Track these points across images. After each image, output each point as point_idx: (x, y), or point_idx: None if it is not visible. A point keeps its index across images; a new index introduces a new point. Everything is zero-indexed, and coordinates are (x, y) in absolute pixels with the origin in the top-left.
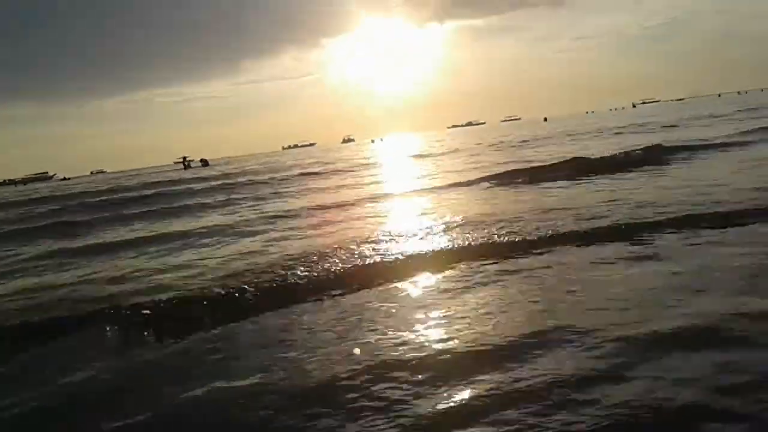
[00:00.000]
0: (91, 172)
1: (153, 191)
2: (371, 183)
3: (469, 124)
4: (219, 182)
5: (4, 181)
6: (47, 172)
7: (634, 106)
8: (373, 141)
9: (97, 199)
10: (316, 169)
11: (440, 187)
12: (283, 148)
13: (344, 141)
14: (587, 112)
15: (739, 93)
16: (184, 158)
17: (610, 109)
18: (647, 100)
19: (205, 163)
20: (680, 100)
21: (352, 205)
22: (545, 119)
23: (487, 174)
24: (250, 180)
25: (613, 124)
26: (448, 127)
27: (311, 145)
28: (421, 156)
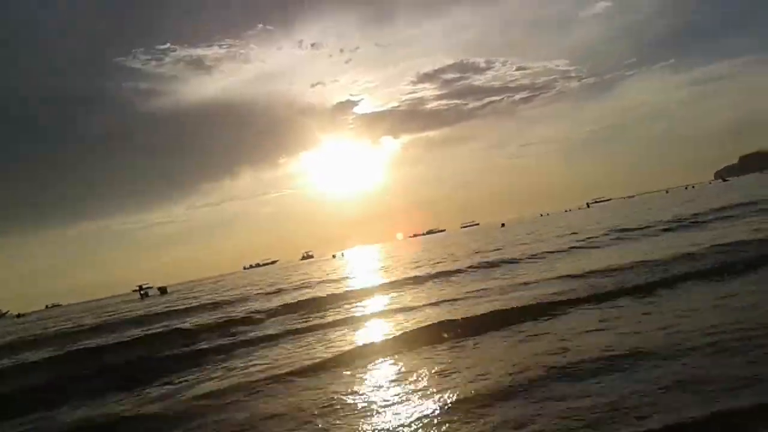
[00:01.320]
0: (46, 306)
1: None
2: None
3: (430, 232)
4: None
5: None
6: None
7: (588, 206)
8: (334, 256)
9: None
10: (271, 304)
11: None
12: (245, 268)
13: (303, 258)
14: (541, 215)
15: (686, 188)
16: (140, 287)
17: (565, 210)
18: (599, 199)
19: (163, 290)
20: (631, 197)
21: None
22: (503, 225)
23: None
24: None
25: (579, 229)
26: (409, 237)
27: (273, 262)
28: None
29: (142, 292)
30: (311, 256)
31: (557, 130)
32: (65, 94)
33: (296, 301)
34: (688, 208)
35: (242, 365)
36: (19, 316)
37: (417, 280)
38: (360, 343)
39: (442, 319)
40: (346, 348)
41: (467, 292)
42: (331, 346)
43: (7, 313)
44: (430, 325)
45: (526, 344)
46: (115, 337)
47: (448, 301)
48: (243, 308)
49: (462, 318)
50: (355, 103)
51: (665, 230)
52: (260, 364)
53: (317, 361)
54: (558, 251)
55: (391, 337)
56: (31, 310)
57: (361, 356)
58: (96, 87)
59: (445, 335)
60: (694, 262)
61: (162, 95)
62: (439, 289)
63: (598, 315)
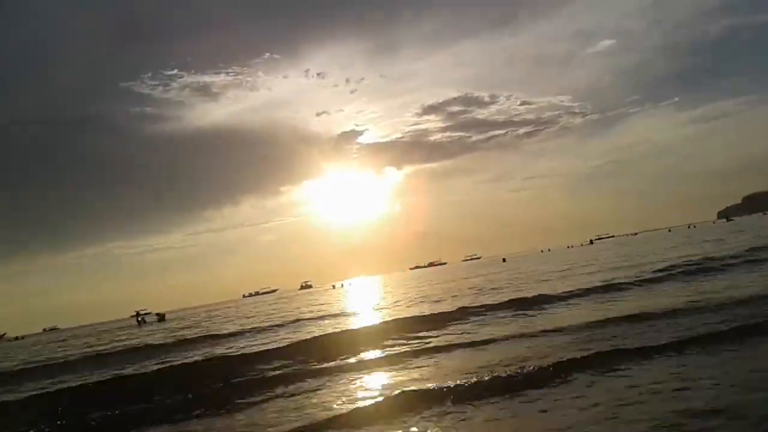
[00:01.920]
0: (44, 330)
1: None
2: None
3: (431, 264)
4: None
5: None
6: None
7: (591, 243)
8: (333, 286)
9: None
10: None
11: None
12: (244, 296)
13: (302, 287)
14: (542, 251)
15: (689, 226)
16: (137, 313)
17: (568, 246)
18: (602, 236)
19: (161, 317)
20: (634, 234)
21: None
22: (504, 260)
23: None
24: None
25: (593, 268)
26: (411, 268)
27: (272, 291)
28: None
29: (139, 318)
30: (310, 286)
31: (561, 165)
32: (69, 118)
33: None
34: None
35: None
36: (17, 338)
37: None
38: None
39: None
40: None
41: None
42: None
43: (4, 335)
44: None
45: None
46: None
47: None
48: (237, 344)
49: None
50: (359, 133)
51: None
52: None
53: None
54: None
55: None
56: (29, 332)
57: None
58: (102, 111)
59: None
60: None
61: (168, 120)
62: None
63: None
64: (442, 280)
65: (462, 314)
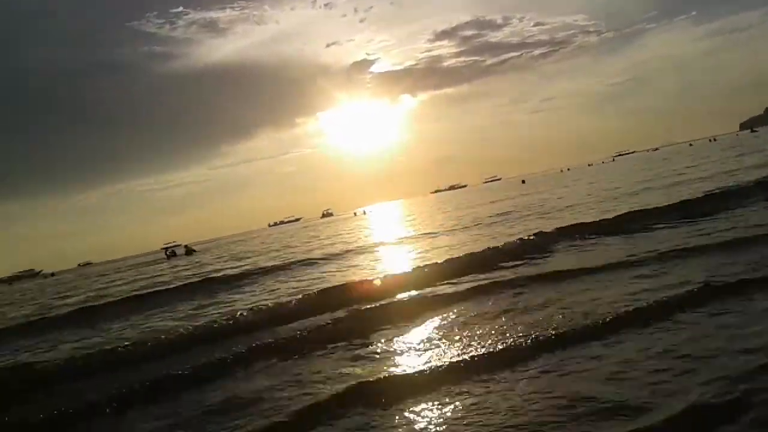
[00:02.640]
0: (79, 264)
1: None
2: None
3: (452, 187)
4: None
5: None
6: (33, 269)
7: (613, 160)
8: (355, 213)
9: None
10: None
11: None
12: (269, 225)
13: (323, 215)
14: (561, 170)
15: (710, 140)
16: (166, 246)
17: (588, 164)
18: (623, 152)
19: (189, 251)
20: (655, 149)
21: None
22: (523, 181)
23: None
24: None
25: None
26: (432, 192)
27: (297, 220)
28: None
29: (168, 252)
30: (330, 214)
31: (578, 85)
32: (81, 64)
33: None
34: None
35: None
36: (53, 275)
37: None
38: None
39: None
40: None
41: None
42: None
43: (41, 272)
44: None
45: None
46: None
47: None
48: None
49: None
50: (371, 63)
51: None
52: None
53: None
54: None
55: None
56: (64, 269)
57: None
58: (111, 53)
59: None
60: None
61: (177, 58)
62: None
63: None
64: (466, 204)
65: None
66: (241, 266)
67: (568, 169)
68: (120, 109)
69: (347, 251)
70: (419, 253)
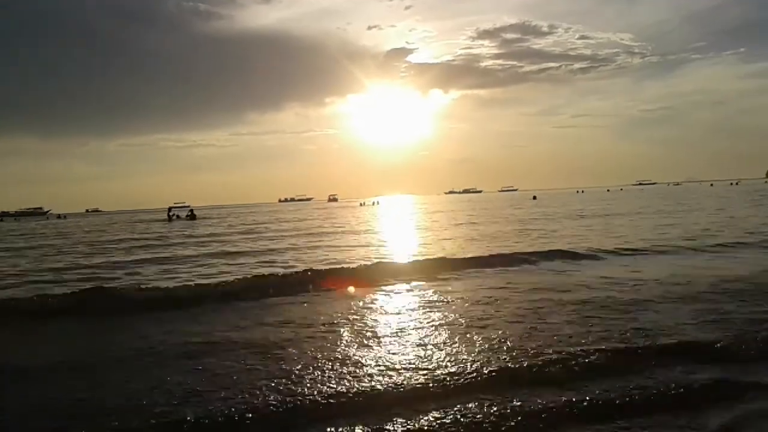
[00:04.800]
0: (87, 210)
1: None
2: None
3: (466, 191)
4: None
5: None
6: (41, 208)
7: (641, 188)
8: (362, 204)
9: None
10: None
11: None
12: (280, 201)
13: (329, 200)
14: (577, 191)
15: (731, 183)
16: (170, 209)
17: (607, 189)
18: (644, 181)
19: (191, 216)
20: (677, 184)
21: None
22: (534, 197)
23: None
24: None
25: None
26: (445, 193)
27: (308, 199)
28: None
29: (171, 214)
30: (336, 200)
31: (612, 106)
32: (126, 9)
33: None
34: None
35: None
36: (59, 217)
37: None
38: None
39: None
40: None
41: None
42: None
43: (48, 212)
44: None
45: None
46: None
47: None
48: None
49: None
50: (409, 51)
51: None
52: None
53: None
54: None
55: None
56: (73, 211)
57: None
58: (156, 3)
59: None
60: None
61: (220, 19)
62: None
63: None
64: (477, 208)
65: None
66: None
67: (582, 191)
68: (153, 62)
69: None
70: None
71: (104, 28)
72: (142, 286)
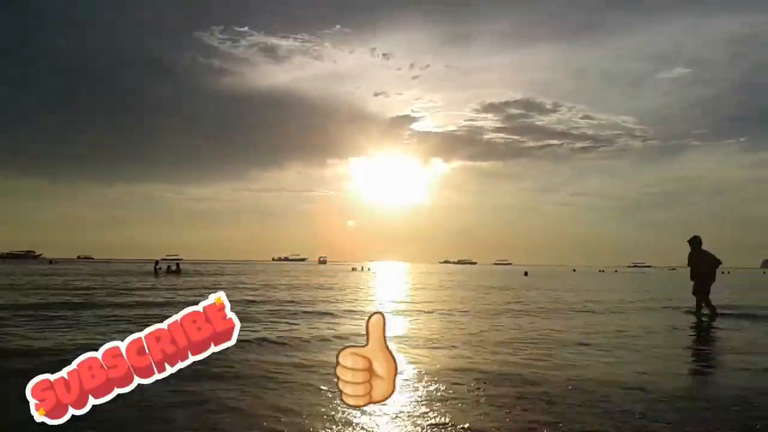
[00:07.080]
0: (78, 257)
1: None
2: None
3: (461, 262)
4: None
5: None
6: (33, 252)
7: (643, 272)
8: (353, 269)
9: None
10: None
11: None
12: (273, 260)
13: (319, 261)
14: (574, 270)
15: (723, 273)
16: (156, 263)
17: (600, 270)
18: (639, 263)
19: (176, 270)
20: (672, 269)
21: None
22: (525, 273)
23: None
24: None
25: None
26: (440, 262)
27: (302, 260)
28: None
29: (158, 267)
30: (324, 262)
31: (611, 186)
32: (143, 58)
33: None
34: None
35: None
36: (50, 262)
37: None
38: None
39: None
40: None
41: None
42: None
43: (40, 256)
44: None
45: None
46: None
47: None
48: None
49: None
50: (414, 119)
51: None
52: None
53: None
54: None
55: None
56: (65, 257)
57: None
58: (174, 56)
59: None
60: None
61: (231, 75)
62: None
63: None
64: (473, 280)
65: None
66: None
67: (574, 270)
68: (162, 111)
69: None
70: None
71: (120, 75)
72: None
